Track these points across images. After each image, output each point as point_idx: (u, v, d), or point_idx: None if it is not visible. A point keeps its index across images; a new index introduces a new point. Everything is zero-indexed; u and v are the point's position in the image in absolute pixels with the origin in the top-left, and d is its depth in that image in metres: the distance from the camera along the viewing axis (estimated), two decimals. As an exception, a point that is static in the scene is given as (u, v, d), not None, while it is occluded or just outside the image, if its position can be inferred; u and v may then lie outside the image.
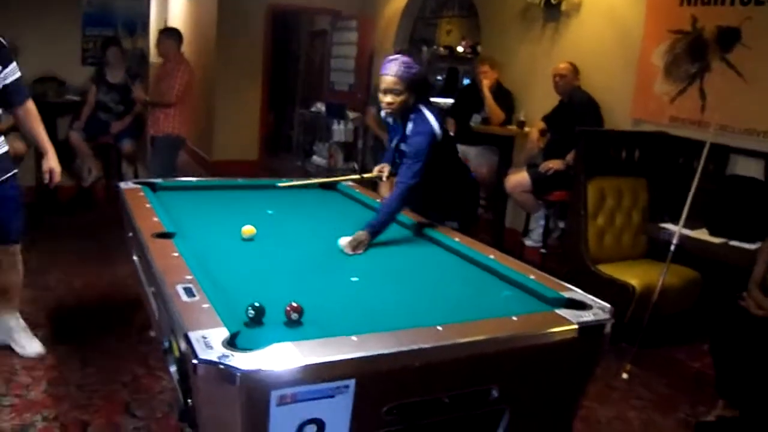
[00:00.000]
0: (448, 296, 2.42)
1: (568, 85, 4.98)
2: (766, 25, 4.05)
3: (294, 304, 2.07)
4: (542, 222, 5.05)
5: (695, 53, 4.44)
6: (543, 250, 4.98)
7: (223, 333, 1.84)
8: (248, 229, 2.96)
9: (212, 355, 1.71)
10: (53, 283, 4.51)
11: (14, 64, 3.20)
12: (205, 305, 2.05)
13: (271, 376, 1.68)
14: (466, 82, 7.93)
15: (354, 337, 1.87)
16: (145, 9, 6.96)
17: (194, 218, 3.25)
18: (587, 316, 2.16)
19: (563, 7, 5.24)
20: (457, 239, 3.01)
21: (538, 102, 5.36)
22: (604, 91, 4.98)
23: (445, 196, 3.41)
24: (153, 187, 3.70)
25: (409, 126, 3.17)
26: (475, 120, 5.78)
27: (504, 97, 5.71)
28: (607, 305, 2.25)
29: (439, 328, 1.98)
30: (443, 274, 2.69)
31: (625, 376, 3.68)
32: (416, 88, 3.09)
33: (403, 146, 3.25)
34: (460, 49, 7.96)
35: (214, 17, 8.47)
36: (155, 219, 3.00)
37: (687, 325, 4.20)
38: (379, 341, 1.88)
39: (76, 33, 6.67)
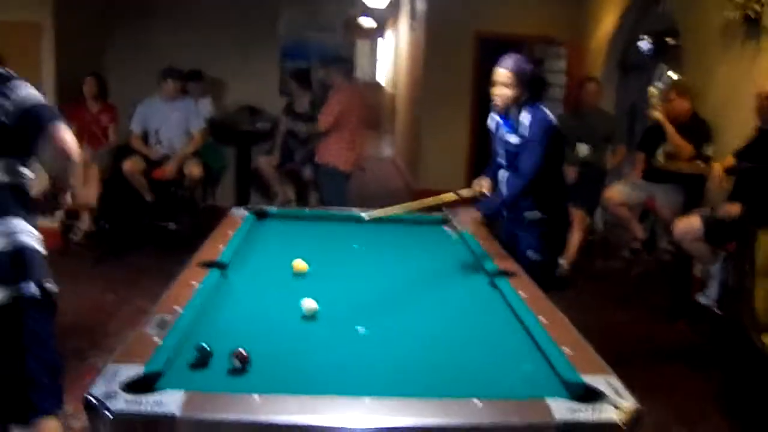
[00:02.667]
0: (446, 363, 2.04)
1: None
2: None
3: (240, 351, 1.88)
4: (720, 277, 4.20)
5: None
6: (718, 311, 4.13)
7: (138, 370, 1.74)
8: (298, 265, 2.79)
9: (100, 391, 1.63)
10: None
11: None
12: (157, 340, 1.95)
13: (143, 422, 1.57)
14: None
15: (257, 397, 1.64)
16: (338, 41, 7.18)
17: (270, 250, 3.19)
18: (584, 413, 1.65)
19: (765, 21, 4.34)
20: (520, 293, 2.56)
21: (735, 133, 4.50)
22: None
23: (540, 224, 3.26)
24: (263, 215, 3.71)
25: (524, 115, 3.12)
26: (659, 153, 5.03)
27: (699, 128, 4.89)
28: (631, 403, 1.69)
29: (367, 401, 1.65)
30: (473, 334, 2.29)
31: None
32: (529, 86, 3.12)
33: (513, 138, 3.17)
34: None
35: (422, 48, 8.51)
36: (220, 246, 2.97)
37: None
38: (282, 405, 1.63)
39: (275, 65, 7.09)
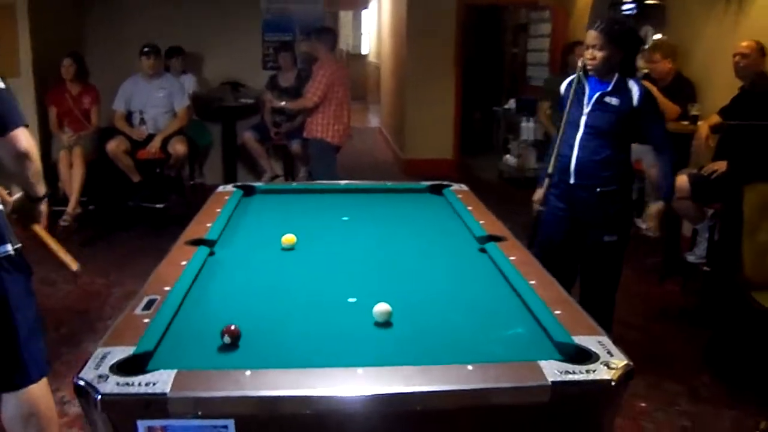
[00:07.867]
0: (438, 330, 2.03)
1: (750, 67, 4.10)
2: None
3: (231, 327, 1.86)
4: (707, 234, 4.22)
5: None
6: (706, 268, 4.16)
7: (127, 352, 1.73)
8: (287, 238, 2.78)
9: (90, 374, 1.62)
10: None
11: None
12: (146, 320, 1.93)
13: (134, 404, 1.56)
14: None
15: (247, 372, 1.63)
16: (320, 13, 7.07)
17: (258, 225, 3.16)
18: (576, 373, 1.65)
19: (747, -22, 4.32)
20: (512, 258, 2.55)
21: (721, 92, 4.49)
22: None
23: (613, 199, 3.19)
24: (251, 191, 3.69)
25: (632, 84, 3.08)
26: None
27: (683, 88, 4.88)
28: (622, 361, 1.70)
29: (360, 371, 1.64)
30: (464, 300, 2.29)
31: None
32: (622, 45, 3.04)
33: (615, 100, 3.09)
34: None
35: (405, 18, 8.43)
36: (207, 225, 2.95)
37: None
38: (272, 379, 1.63)
39: (257, 39, 6.99)
